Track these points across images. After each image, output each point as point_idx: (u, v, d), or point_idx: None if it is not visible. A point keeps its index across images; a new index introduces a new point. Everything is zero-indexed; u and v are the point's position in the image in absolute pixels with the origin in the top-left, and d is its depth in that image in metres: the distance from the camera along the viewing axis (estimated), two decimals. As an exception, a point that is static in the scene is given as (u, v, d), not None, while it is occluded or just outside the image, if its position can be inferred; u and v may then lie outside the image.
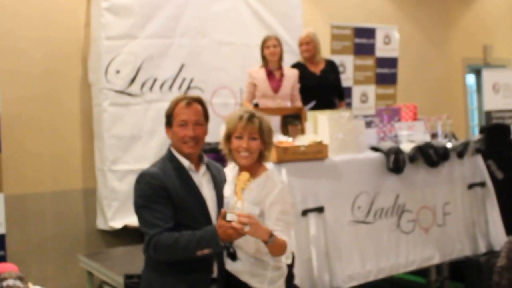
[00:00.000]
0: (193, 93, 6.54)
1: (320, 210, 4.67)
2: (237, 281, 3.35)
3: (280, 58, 6.00)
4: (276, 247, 3.17)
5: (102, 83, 6.17)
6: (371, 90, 8.10)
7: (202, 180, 3.30)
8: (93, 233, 6.37)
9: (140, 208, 3.18)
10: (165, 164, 3.27)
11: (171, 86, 6.53)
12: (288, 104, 5.86)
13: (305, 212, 4.60)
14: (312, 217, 4.62)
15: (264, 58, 5.97)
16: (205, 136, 3.33)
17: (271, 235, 3.10)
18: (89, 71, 6.40)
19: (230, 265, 3.36)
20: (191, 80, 6.67)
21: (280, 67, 5.98)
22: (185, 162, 3.27)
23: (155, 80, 6.45)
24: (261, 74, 5.92)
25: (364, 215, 4.98)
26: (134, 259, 4.14)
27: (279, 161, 4.54)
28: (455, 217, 5.62)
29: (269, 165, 3.87)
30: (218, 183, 3.39)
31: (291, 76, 5.99)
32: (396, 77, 8.31)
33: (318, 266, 4.58)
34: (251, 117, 3.34)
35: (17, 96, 6.03)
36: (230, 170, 3.54)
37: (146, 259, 3.30)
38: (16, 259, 5.40)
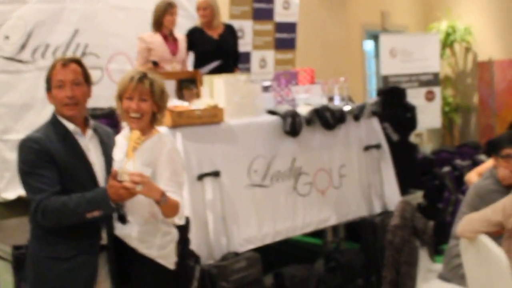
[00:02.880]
0: (89, 59, 6.41)
1: (216, 174, 4.62)
2: (126, 247, 3.29)
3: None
4: (168, 207, 3.15)
5: (-10, 49, 5.94)
6: (270, 55, 8.11)
7: (89, 144, 3.25)
8: (-16, 205, 6.15)
9: (24, 174, 3.10)
10: (49, 129, 3.18)
11: (64, 53, 6.33)
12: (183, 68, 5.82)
13: (201, 177, 4.55)
14: (208, 181, 4.58)
15: (158, 23, 5.86)
16: (85, 97, 3.26)
17: (163, 194, 3.07)
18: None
19: (119, 230, 3.29)
20: (86, 46, 6.50)
21: (171, 33, 5.91)
22: (70, 126, 3.19)
23: (47, 46, 6.24)
24: (157, 38, 5.83)
25: (261, 179, 4.98)
26: (26, 230, 4.03)
27: (174, 126, 4.47)
28: (351, 179, 5.69)
29: (164, 130, 3.80)
30: (107, 148, 3.33)
31: (182, 40, 5.97)
32: (295, 42, 8.34)
33: (214, 231, 4.56)
34: (142, 78, 3.28)
35: None
36: (122, 135, 3.47)
37: (31, 228, 3.21)
38: None
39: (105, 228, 3.24)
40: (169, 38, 5.87)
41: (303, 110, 5.29)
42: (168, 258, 3.37)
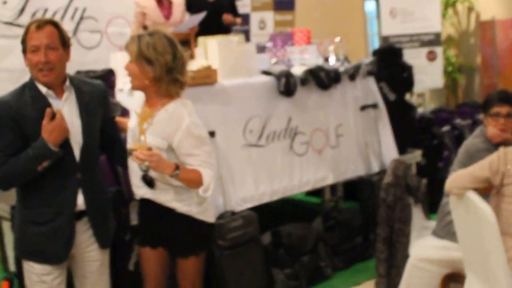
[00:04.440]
0: (87, 23, 6.45)
1: (211, 134, 4.65)
2: (160, 208, 3.36)
3: None
4: (184, 181, 3.23)
5: (-12, 14, 5.97)
6: (269, 16, 8.09)
7: (64, 108, 3.16)
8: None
9: None
10: (23, 92, 3.14)
11: (63, 17, 6.35)
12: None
13: (196, 137, 4.59)
14: (203, 141, 4.63)
15: None
16: (62, 61, 3.17)
17: (175, 169, 3.14)
18: (-26, 3, 6.15)
19: (152, 194, 3.35)
20: (84, 10, 6.49)
21: None
22: (43, 89, 3.13)
23: (45, 11, 6.24)
24: (150, 2, 5.82)
25: (256, 139, 5.03)
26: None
27: (169, 87, 4.49)
28: (348, 139, 5.74)
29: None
30: (89, 107, 3.26)
31: (179, 4, 5.93)
32: (294, 3, 8.30)
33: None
34: (132, 39, 3.27)
35: None
36: (139, 98, 3.48)
37: (16, 191, 3.29)
38: None
39: (83, 194, 3.25)
40: (164, 2, 5.86)
41: (298, 70, 5.31)
42: (206, 213, 3.45)
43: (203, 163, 3.30)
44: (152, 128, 3.18)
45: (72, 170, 3.19)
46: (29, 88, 3.15)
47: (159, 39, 3.23)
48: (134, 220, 3.55)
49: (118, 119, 3.65)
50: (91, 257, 3.37)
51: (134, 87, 3.33)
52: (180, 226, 3.37)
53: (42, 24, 3.09)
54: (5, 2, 6.00)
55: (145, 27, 5.67)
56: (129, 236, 4.11)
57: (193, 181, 3.26)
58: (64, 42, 3.17)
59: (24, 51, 3.13)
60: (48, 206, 3.17)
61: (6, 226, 4.89)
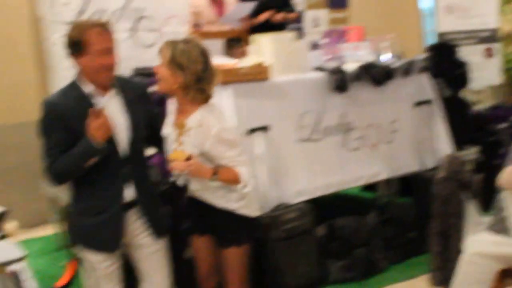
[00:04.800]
0: (145, 23, 6.58)
1: (265, 129, 4.76)
2: (203, 202, 3.51)
3: None
4: (223, 181, 3.36)
5: (50, 15, 6.11)
6: (324, 14, 8.10)
7: (109, 105, 3.26)
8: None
9: (40, 134, 3.25)
10: (69, 92, 3.25)
11: (121, 16, 6.50)
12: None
13: (250, 131, 4.69)
14: (257, 136, 4.72)
15: None
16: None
17: (214, 173, 3.29)
18: (37, 4, 6.32)
19: (195, 192, 3.50)
20: (142, 10, 6.64)
21: None
22: (86, 88, 3.22)
23: (104, 11, 6.40)
24: (203, 1, 5.90)
25: (310, 133, 5.08)
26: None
27: (224, 83, 4.53)
28: (402, 134, 5.73)
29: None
30: (131, 104, 3.36)
31: (230, 2, 5.99)
32: (348, 1, 8.30)
33: (265, 183, 4.70)
34: (167, 44, 3.36)
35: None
36: (172, 103, 3.57)
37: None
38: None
39: (133, 186, 3.38)
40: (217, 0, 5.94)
41: (351, 66, 5.34)
42: (247, 207, 3.54)
43: (237, 162, 3.40)
44: (183, 136, 3.31)
45: (119, 165, 3.32)
46: (74, 88, 3.26)
47: (193, 47, 3.33)
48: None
49: None
50: (144, 244, 3.51)
51: (162, 89, 3.43)
52: (221, 219, 3.50)
53: (106, 26, 3.21)
54: (66, 4, 6.16)
55: (196, 26, 5.75)
56: (184, 226, 4.22)
57: (231, 181, 3.39)
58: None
59: (79, 52, 3.18)
60: (97, 199, 3.32)
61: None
